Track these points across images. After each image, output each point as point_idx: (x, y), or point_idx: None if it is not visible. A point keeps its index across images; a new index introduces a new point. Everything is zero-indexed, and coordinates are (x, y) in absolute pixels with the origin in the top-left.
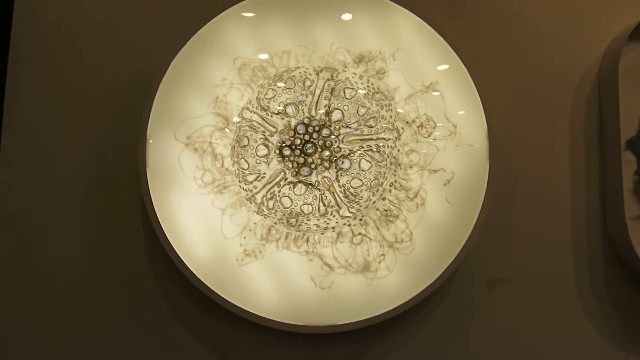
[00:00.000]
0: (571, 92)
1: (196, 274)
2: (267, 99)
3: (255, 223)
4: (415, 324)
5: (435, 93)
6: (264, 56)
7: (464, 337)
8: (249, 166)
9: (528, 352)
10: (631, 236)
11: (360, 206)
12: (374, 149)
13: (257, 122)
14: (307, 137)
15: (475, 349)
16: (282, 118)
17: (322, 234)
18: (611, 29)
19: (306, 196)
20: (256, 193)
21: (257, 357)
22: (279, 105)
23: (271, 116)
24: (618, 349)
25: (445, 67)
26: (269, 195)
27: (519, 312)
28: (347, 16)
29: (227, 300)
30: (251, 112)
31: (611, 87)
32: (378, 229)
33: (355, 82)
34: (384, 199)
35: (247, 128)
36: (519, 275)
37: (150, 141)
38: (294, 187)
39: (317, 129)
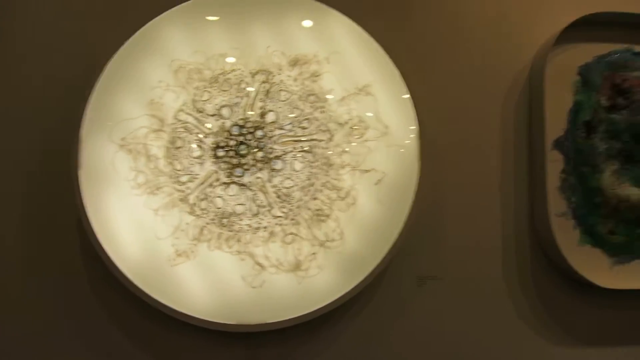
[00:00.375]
0: (503, 94)
1: (127, 275)
2: (202, 101)
3: (187, 223)
4: (346, 321)
5: (367, 95)
6: (200, 59)
7: (395, 334)
8: (182, 167)
9: (458, 347)
10: (555, 232)
11: (292, 206)
12: (307, 150)
13: (192, 124)
14: (241, 138)
15: (405, 346)
16: (217, 120)
17: (254, 233)
18: (542, 32)
19: (239, 197)
20: (189, 194)
21: (189, 356)
22: (214, 107)
23: (206, 118)
24: (547, 342)
25: (377, 69)
26: (202, 196)
27: (448, 309)
28: (283, 20)
29: (158, 301)
30: (186, 114)
31: (538, 89)
32: (309, 228)
33: (290, 85)
34: (315, 199)
35: (182, 130)
36: (449, 273)
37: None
38: (227, 187)
39: (251, 130)
